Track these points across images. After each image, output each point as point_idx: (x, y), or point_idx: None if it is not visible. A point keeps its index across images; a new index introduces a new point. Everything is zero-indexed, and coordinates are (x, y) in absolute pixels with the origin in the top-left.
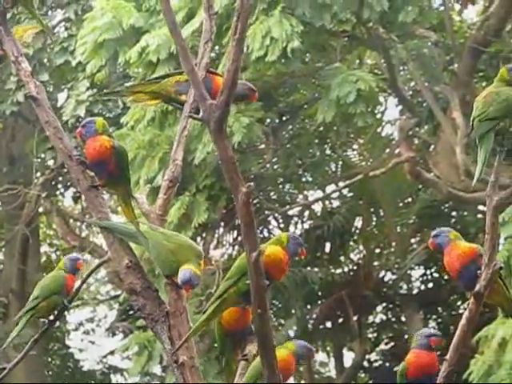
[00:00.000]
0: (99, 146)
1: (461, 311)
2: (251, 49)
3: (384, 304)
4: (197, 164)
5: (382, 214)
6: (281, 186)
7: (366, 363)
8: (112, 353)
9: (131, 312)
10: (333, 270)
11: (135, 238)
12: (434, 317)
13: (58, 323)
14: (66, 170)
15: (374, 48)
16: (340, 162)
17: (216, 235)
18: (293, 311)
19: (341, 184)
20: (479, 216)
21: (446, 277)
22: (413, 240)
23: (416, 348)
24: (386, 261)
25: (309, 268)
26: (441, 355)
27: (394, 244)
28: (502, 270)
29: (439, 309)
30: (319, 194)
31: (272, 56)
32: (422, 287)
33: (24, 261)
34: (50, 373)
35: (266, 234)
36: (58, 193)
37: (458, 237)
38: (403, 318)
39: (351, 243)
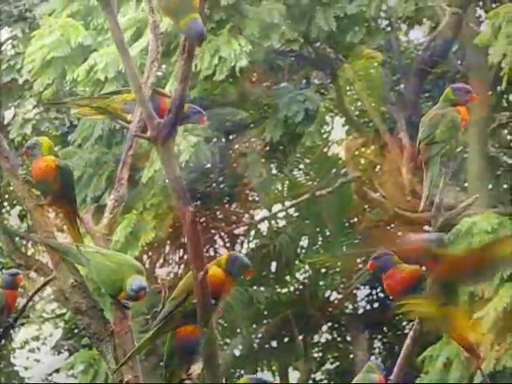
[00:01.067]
0: (45, 165)
1: (406, 331)
2: (199, 68)
3: (329, 323)
4: (144, 182)
5: (327, 233)
6: (227, 205)
7: (311, 382)
8: (57, 371)
9: (76, 330)
10: (279, 290)
11: (77, 257)
12: (379, 337)
13: (3, 341)
14: (11, 189)
15: (321, 68)
16: (286, 182)
17: (162, 254)
18: (238, 330)
19: (287, 203)
20: None
21: (391, 297)
22: (358, 260)
23: None
24: (332, 280)
25: (255, 287)
26: (386, 375)
27: (339, 264)
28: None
29: (384, 329)
30: (265, 213)
31: (220, 75)
32: (368, 307)
33: None
34: None
35: (212, 253)
36: (3, 211)
37: (398, 260)
38: (348, 338)
39: (297, 263)
